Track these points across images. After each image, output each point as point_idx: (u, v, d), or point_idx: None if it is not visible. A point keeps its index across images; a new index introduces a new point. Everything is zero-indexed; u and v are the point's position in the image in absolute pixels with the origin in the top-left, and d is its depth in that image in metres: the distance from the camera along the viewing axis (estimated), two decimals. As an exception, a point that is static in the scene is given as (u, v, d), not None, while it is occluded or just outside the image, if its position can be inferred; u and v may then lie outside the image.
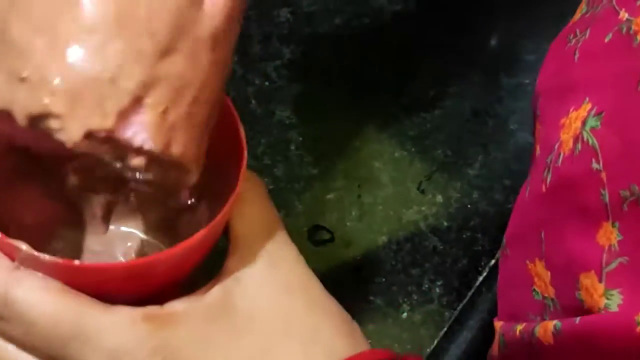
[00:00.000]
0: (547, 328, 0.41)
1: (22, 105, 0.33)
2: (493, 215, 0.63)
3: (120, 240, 0.46)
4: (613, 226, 0.37)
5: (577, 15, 0.48)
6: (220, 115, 0.38)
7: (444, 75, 0.71)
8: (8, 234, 0.36)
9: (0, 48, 0.33)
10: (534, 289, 0.44)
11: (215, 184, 0.41)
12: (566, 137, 0.41)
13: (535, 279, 0.44)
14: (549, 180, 0.42)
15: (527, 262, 0.45)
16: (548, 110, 0.46)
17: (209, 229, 0.38)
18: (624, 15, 0.39)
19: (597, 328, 0.37)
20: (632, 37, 0.38)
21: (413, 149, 0.66)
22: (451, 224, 0.62)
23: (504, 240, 0.50)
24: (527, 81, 0.71)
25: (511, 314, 0.49)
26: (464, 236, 0.62)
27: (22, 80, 0.33)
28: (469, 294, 0.58)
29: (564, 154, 0.41)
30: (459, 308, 0.57)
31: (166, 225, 0.46)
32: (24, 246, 0.36)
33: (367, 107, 0.68)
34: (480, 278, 0.59)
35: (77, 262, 0.36)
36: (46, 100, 0.33)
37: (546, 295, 0.43)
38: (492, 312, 0.55)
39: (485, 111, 0.69)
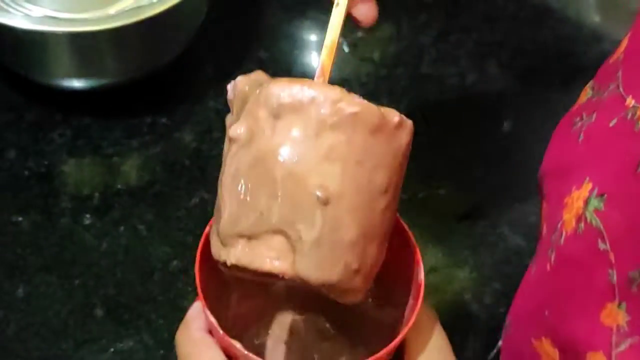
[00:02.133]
0: None
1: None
2: (484, 318, 0.63)
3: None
4: (619, 307, 0.38)
5: (583, 99, 0.49)
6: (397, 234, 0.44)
7: (434, 176, 0.72)
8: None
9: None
10: None
11: (398, 290, 0.47)
12: (568, 217, 0.42)
13: (544, 357, 0.45)
14: (553, 259, 0.43)
15: (533, 339, 0.45)
16: (552, 189, 0.47)
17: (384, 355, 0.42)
18: (630, 101, 0.41)
19: None
20: (634, 122, 0.39)
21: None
22: (442, 326, 0.62)
23: (507, 320, 0.51)
24: (516, 182, 0.71)
25: None
26: (455, 339, 0.61)
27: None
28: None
29: (567, 233, 0.42)
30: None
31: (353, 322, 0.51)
32: (238, 345, 0.42)
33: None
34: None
35: None
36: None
37: None
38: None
39: (475, 213, 0.70)
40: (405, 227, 0.46)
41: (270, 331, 0.52)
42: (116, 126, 0.73)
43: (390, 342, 0.43)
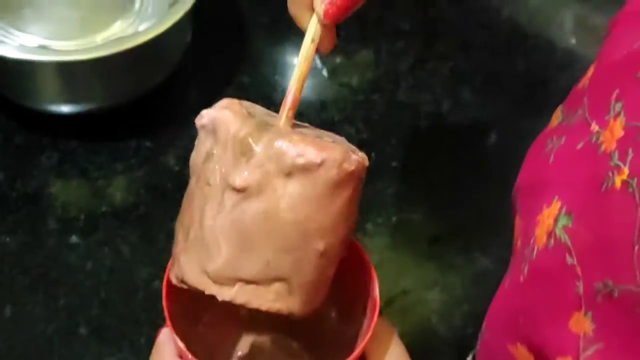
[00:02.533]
0: None
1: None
2: (453, 340, 0.66)
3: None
4: (585, 316, 0.41)
5: (554, 122, 0.52)
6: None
7: (406, 201, 0.74)
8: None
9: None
10: None
11: (358, 306, 0.50)
12: (540, 233, 0.45)
13: None
14: (526, 271, 0.46)
15: (509, 345, 0.48)
16: (525, 205, 0.50)
17: None
18: (595, 127, 0.43)
19: None
20: (598, 146, 0.42)
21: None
22: (411, 348, 0.64)
23: (484, 326, 0.53)
24: (487, 206, 0.74)
25: None
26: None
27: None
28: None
29: (538, 248, 0.44)
30: None
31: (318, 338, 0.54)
32: None
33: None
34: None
35: None
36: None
37: None
38: None
39: (446, 237, 0.72)
40: (361, 248, 0.50)
41: (239, 352, 0.55)
42: (102, 150, 0.75)
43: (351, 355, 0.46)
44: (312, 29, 0.46)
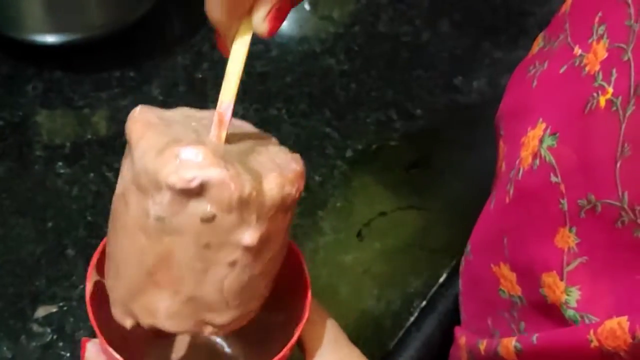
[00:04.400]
0: (508, 348, 0.46)
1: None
2: (426, 259, 0.68)
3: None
4: (570, 231, 0.42)
5: (535, 49, 0.53)
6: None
7: (386, 129, 0.76)
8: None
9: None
10: (501, 289, 0.49)
11: (288, 295, 0.49)
12: (525, 154, 0.46)
13: (502, 280, 0.49)
14: (511, 192, 0.47)
15: (492, 265, 0.50)
16: (509, 130, 0.51)
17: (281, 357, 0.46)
18: (578, 50, 0.45)
19: (554, 347, 0.43)
20: (582, 69, 0.44)
21: (354, 199, 0.71)
22: (387, 269, 0.67)
23: (468, 247, 0.55)
24: (462, 134, 0.76)
25: (474, 314, 0.55)
26: (404, 276, 0.66)
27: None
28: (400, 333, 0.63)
29: (524, 169, 0.46)
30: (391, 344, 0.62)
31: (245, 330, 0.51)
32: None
33: (313, 160, 0.73)
34: (412, 318, 0.64)
35: None
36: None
37: (513, 293, 0.48)
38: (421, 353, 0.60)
39: (422, 163, 0.75)
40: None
41: (172, 354, 0.55)
42: (86, 80, 0.77)
43: (285, 342, 0.46)
44: (247, 42, 0.41)
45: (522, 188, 0.47)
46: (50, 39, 0.75)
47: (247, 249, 0.41)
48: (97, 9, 0.74)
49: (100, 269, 0.47)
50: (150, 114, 0.42)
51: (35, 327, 0.62)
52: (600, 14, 0.44)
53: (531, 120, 0.47)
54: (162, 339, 0.55)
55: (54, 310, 0.63)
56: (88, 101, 0.76)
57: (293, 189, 0.42)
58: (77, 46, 0.77)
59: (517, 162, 0.47)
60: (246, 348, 0.55)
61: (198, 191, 0.39)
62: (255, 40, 0.42)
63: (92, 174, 0.71)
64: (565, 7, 0.50)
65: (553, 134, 0.44)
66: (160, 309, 0.42)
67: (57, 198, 0.69)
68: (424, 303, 0.65)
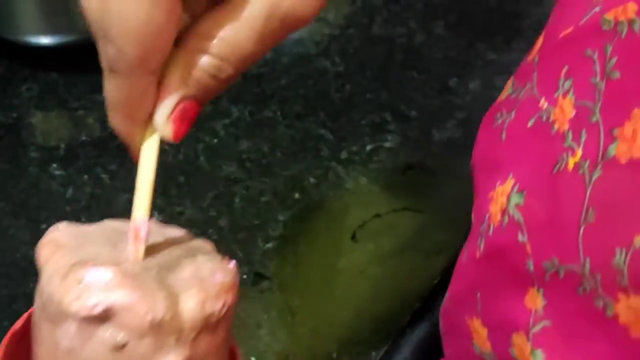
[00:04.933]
0: None
1: None
2: (420, 261, 0.68)
3: None
4: (538, 292, 0.41)
5: (504, 95, 0.51)
6: None
7: (381, 131, 0.76)
8: None
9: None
10: (474, 343, 0.48)
11: None
12: (494, 210, 0.45)
13: (474, 334, 0.48)
14: (482, 247, 0.46)
15: (466, 318, 0.49)
16: (480, 182, 0.50)
17: None
18: (544, 103, 0.43)
19: None
20: (550, 125, 0.42)
21: (349, 201, 0.71)
22: (381, 270, 0.67)
23: (446, 297, 0.54)
24: (457, 136, 0.76)
25: (454, 356, 0.54)
26: (392, 283, 0.66)
27: None
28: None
29: (494, 225, 0.45)
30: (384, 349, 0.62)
31: None
32: None
33: (308, 161, 0.73)
34: (406, 320, 0.64)
35: None
36: None
37: (484, 350, 0.47)
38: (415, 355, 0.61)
39: (418, 165, 0.75)
40: None
41: None
42: (81, 82, 0.77)
43: None
44: (154, 148, 0.38)
45: (492, 245, 0.45)
46: (45, 40, 0.75)
47: None
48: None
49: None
50: (62, 232, 0.39)
51: (30, 329, 0.62)
52: (566, 67, 0.42)
53: (501, 175, 0.46)
54: None
55: (48, 312, 0.63)
56: (83, 103, 0.76)
57: (217, 305, 0.37)
58: (72, 48, 0.77)
59: (486, 216, 0.46)
60: None
61: (104, 318, 0.35)
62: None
63: (86, 176, 0.71)
64: (534, 53, 0.48)
65: (521, 191, 0.43)
66: None
67: (52, 200, 0.69)
68: (418, 305, 0.65)
